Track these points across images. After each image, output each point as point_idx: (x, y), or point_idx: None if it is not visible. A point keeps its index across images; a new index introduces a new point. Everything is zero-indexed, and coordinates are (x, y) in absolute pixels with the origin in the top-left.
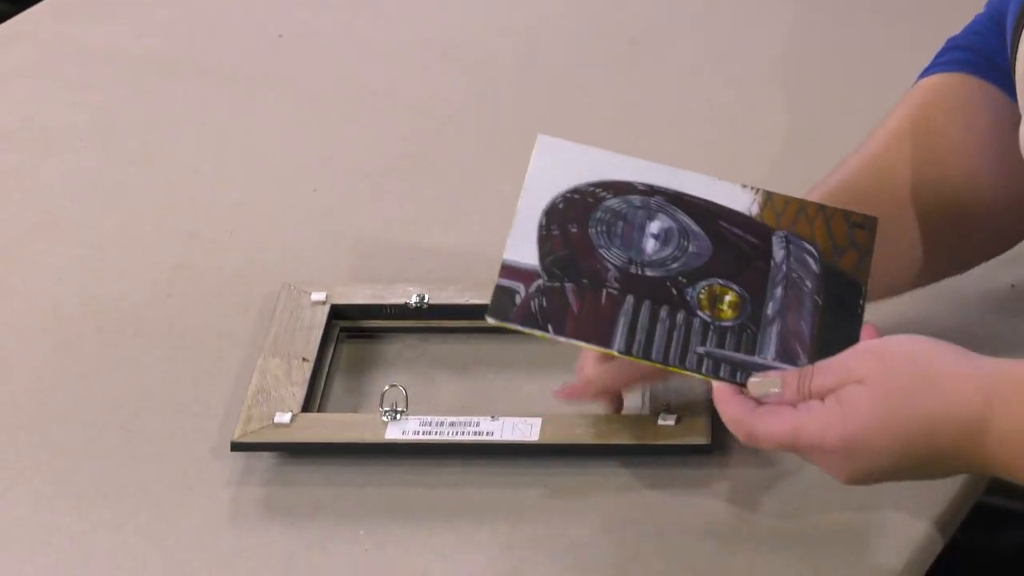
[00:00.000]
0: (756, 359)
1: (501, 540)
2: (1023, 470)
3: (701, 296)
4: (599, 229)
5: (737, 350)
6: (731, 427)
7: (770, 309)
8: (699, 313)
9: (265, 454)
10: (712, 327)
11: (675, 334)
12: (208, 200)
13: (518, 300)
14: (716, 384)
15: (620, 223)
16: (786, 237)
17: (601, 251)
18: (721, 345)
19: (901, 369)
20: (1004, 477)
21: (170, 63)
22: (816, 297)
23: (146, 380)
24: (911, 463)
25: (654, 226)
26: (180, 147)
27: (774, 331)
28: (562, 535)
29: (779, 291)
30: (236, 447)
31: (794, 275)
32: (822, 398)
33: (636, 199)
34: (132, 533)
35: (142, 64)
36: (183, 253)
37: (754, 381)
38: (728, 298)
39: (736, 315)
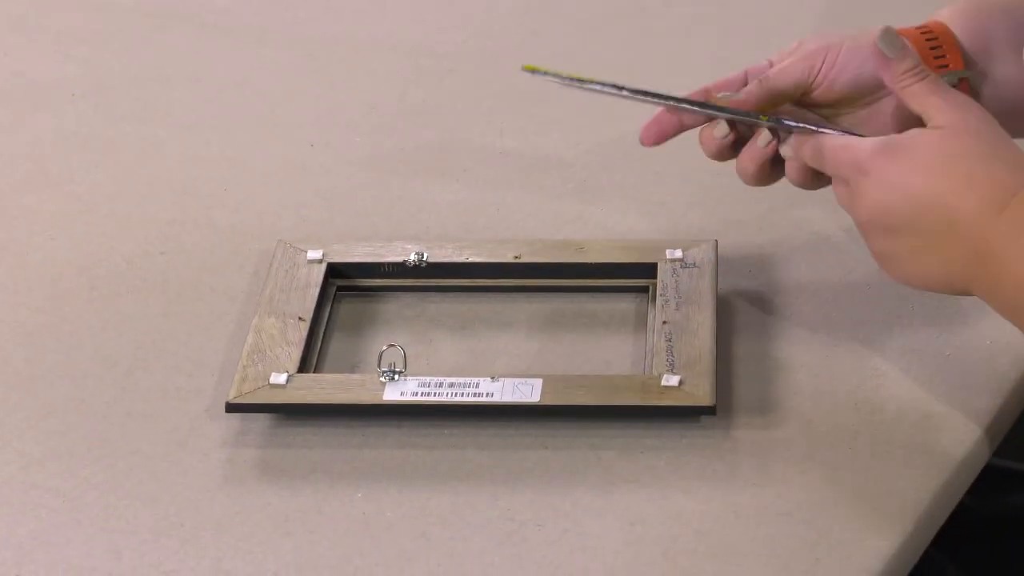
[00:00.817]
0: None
1: (501, 503)
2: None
3: None
4: None
5: None
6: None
7: None
8: None
9: (261, 415)
10: None
11: None
12: (202, 155)
13: None
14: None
15: None
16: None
17: None
18: None
19: (978, 132)
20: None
21: (164, 15)
22: None
23: (139, 338)
24: (947, 197)
25: None
26: (174, 101)
27: None
28: (563, 498)
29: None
30: (231, 408)
31: None
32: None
33: None
34: (124, 494)
35: (135, 16)
36: (177, 209)
37: (886, 29)
38: None
39: None
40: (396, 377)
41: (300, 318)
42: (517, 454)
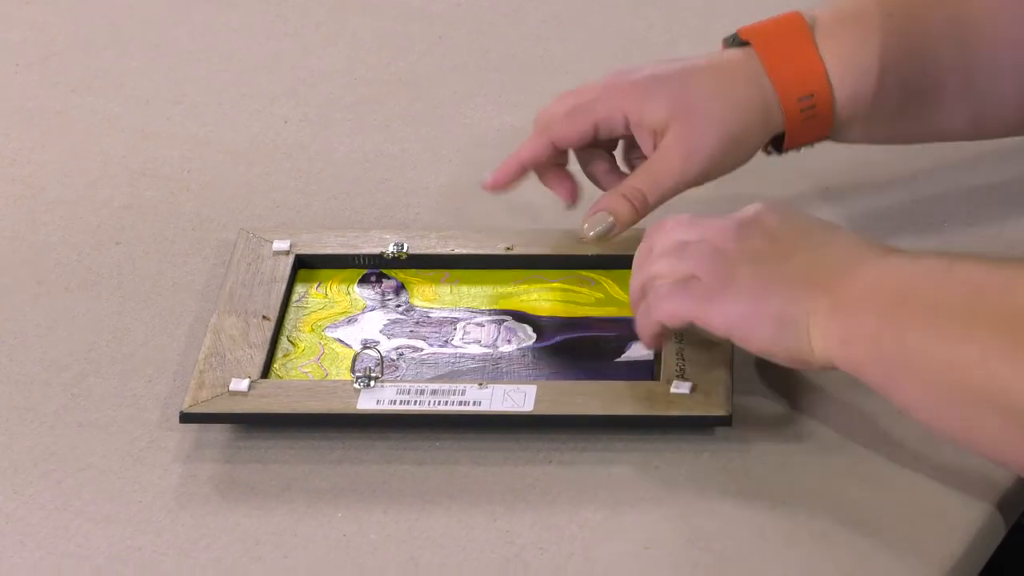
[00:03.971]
0: None
1: (499, 524)
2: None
3: None
4: None
5: None
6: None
7: None
8: None
9: (224, 425)
10: None
11: None
12: (162, 133)
13: None
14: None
15: None
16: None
17: None
18: None
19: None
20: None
21: None
22: None
23: (91, 338)
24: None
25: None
26: (130, 71)
27: None
28: (569, 519)
29: None
30: (186, 418)
31: None
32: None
33: None
34: (75, 514)
35: None
36: (133, 193)
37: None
38: None
39: None
40: (372, 383)
41: (264, 317)
42: (517, 469)
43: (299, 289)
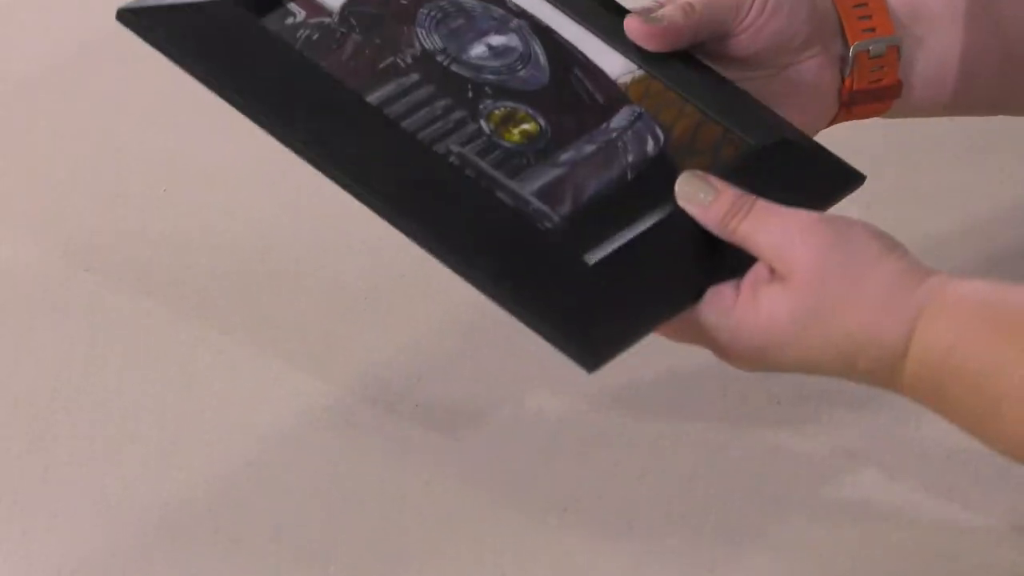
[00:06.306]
0: (511, 182)
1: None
2: (928, 401)
3: (496, 111)
4: (433, 13)
5: (498, 170)
6: None
7: (566, 156)
8: (481, 122)
9: None
10: (484, 137)
11: (440, 122)
12: (136, 148)
13: (289, 22)
14: None
15: (460, 20)
16: (640, 113)
17: (419, 30)
18: (483, 157)
19: (832, 273)
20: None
21: None
22: (628, 172)
23: (60, 374)
24: (822, 370)
25: (496, 38)
26: (100, 77)
27: (553, 172)
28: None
29: (590, 147)
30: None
31: (620, 144)
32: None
33: (498, 11)
34: None
35: None
36: (105, 216)
37: (689, 175)
38: (525, 126)
39: (522, 142)
40: None
41: None
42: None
43: None
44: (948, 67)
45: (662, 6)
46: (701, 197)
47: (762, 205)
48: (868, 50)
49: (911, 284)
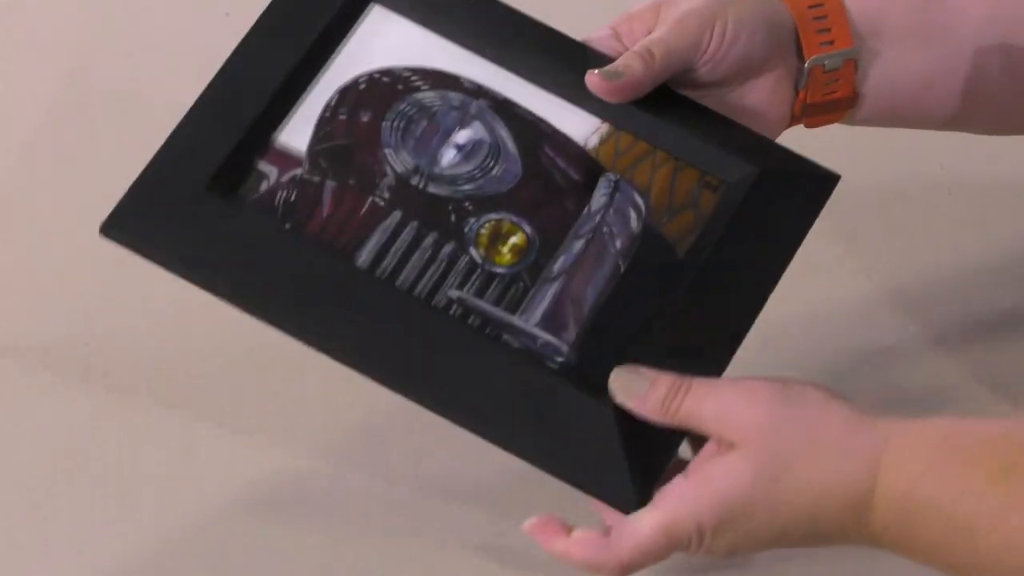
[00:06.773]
0: (515, 320)
1: None
2: (900, 543)
3: (482, 231)
4: (396, 124)
5: (499, 304)
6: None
7: (558, 264)
8: (471, 250)
9: None
10: (480, 269)
11: (433, 267)
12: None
13: (264, 187)
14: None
15: (423, 122)
16: (616, 182)
17: (387, 151)
18: (482, 293)
19: (785, 426)
20: (889, 550)
21: None
22: (620, 261)
23: (66, 445)
24: (791, 531)
25: (462, 135)
26: (97, 147)
27: (550, 291)
28: None
29: (579, 244)
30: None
31: (606, 229)
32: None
33: (456, 97)
34: None
35: None
36: (104, 280)
37: (620, 371)
38: (513, 240)
39: (515, 261)
40: None
41: None
42: None
43: None
44: (902, 83)
45: (620, 55)
46: (636, 388)
47: (700, 381)
48: (824, 64)
49: (864, 427)
